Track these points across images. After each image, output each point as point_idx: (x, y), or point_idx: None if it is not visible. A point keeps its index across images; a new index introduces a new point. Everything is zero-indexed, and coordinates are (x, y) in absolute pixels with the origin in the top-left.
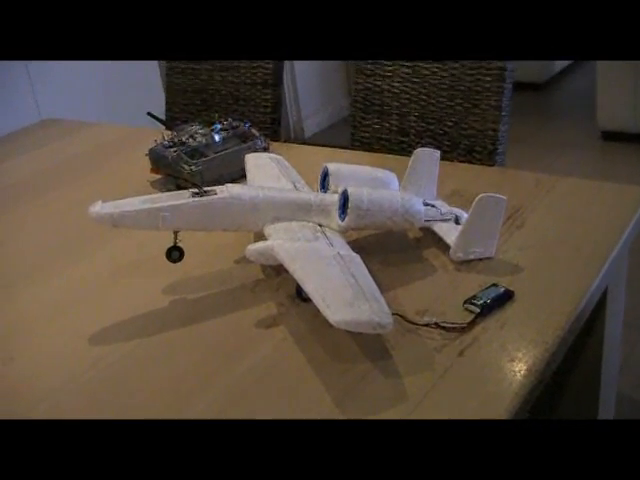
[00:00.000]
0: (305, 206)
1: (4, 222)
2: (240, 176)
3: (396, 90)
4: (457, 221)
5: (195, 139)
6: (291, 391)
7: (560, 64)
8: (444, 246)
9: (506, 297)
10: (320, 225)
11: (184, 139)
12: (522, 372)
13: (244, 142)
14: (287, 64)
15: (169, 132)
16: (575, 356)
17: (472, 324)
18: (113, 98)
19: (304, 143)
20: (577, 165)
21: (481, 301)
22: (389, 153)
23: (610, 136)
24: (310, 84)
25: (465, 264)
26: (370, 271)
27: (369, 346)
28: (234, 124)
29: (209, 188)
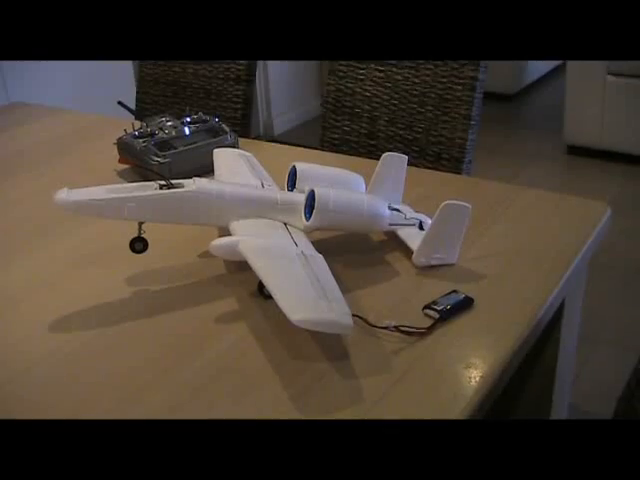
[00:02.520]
0: (271, 204)
1: None
2: (208, 171)
3: (368, 94)
4: (421, 226)
5: (164, 131)
6: (248, 388)
7: (531, 77)
8: (407, 251)
9: (466, 304)
10: (285, 224)
11: (153, 130)
12: (477, 379)
13: (213, 137)
14: (261, 62)
15: (139, 122)
16: (529, 366)
17: (431, 329)
18: (83, 85)
19: (273, 140)
20: (541, 177)
21: (441, 307)
22: (358, 155)
23: (575, 150)
24: (282, 82)
25: (427, 269)
26: (333, 272)
27: (328, 346)
28: (204, 118)
29: (176, 181)
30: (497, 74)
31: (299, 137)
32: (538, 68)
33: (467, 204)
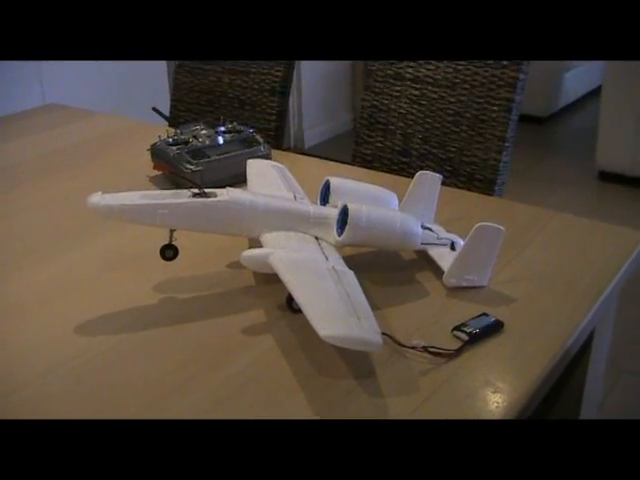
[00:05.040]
0: (304, 217)
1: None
2: (240, 181)
3: (402, 111)
4: (453, 247)
5: (198, 139)
6: (273, 401)
7: (564, 100)
8: (437, 270)
9: (496, 327)
10: (317, 238)
11: (187, 138)
12: (504, 404)
13: (247, 147)
14: (295, 74)
15: (173, 129)
16: (556, 392)
17: (459, 351)
18: (118, 89)
19: (303, 153)
20: (571, 202)
21: (470, 329)
22: (389, 172)
23: (607, 177)
24: (315, 96)
25: (457, 291)
26: (362, 288)
27: (355, 363)
28: (238, 128)
29: (210, 190)
30: (530, 96)
31: (329, 151)
32: (572, 91)
33: (501, 227)
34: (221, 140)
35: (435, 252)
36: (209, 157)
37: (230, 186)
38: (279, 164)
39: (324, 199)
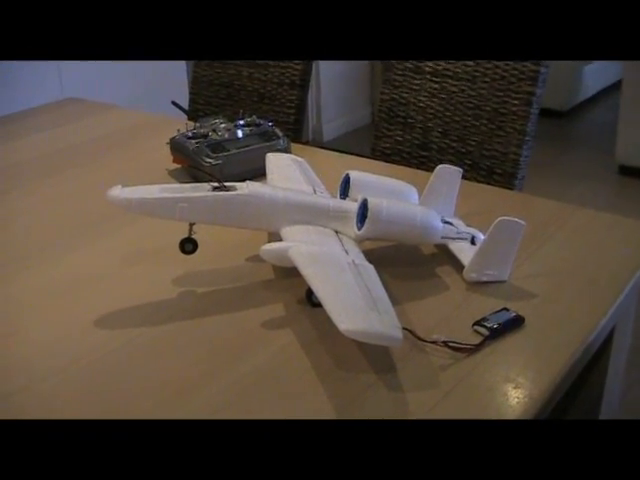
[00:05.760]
0: (323, 211)
1: (19, 197)
2: (259, 174)
3: (422, 104)
4: (473, 241)
5: (217, 133)
6: (292, 395)
7: (585, 94)
8: (457, 265)
9: (516, 323)
10: (337, 232)
11: (206, 132)
12: (525, 400)
13: (266, 141)
14: (314, 68)
15: (192, 123)
16: (576, 390)
17: (480, 346)
18: (137, 83)
19: (322, 147)
20: (591, 197)
21: (491, 324)
22: (409, 166)
23: (627, 171)
24: (334, 90)
25: (477, 285)
26: (382, 282)
27: (375, 358)
28: (257, 122)
29: (230, 184)
30: (550, 90)
31: (348, 144)
32: (592, 85)
33: (522, 221)
34: (240, 133)
35: (455, 246)
36: (228, 151)
37: (249, 180)
38: (298, 158)
39: (344, 193)
